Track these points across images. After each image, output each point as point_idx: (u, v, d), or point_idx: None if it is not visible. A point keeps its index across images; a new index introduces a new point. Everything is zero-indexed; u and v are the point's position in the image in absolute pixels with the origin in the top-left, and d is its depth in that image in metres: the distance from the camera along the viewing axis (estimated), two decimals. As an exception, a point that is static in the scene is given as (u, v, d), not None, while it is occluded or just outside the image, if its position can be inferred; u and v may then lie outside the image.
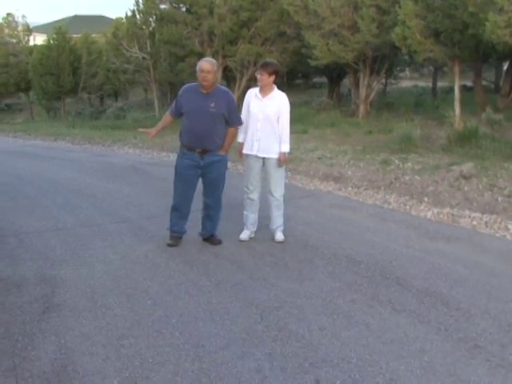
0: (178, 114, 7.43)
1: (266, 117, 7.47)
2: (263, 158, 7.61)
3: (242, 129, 7.68)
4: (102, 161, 16.03)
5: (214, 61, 7.37)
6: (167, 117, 7.63)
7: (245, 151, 7.69)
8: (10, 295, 6.02)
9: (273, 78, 7.44)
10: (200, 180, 7.50)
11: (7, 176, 13.51)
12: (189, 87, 7.39)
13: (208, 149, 7.26)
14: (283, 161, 7.64)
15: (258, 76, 7.46)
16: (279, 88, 7.72)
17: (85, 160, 16.31)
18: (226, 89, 7.57)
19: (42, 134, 25.60)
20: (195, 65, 7.36)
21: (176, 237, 7.63)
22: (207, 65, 7.06)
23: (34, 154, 18.42)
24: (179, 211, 7.54)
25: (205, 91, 7.16)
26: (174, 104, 7.47)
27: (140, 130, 7.94)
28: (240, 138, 7.74)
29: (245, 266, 6.81)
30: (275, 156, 7.56)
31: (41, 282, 6.40)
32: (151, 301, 5.79)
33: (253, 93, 7.66)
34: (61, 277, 6.52)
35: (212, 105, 7.13)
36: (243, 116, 7.66)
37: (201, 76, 7.04)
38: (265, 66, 7.46)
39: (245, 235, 7.85)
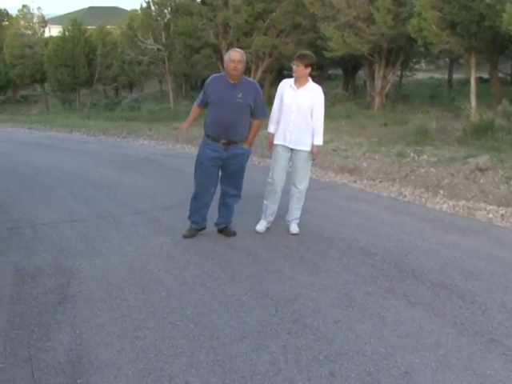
0: (205, 104, 7.35)
1: (300, 108, 7.41)
2: (291, 150, 7.57)
3: (273, 119, 7.64)
4: (117, 152, 16.06)
5: (242, 51, 7.31)
6: (196, 108, 7.53)
7: (276, 141, 7.62)
8: (26, 286, 6.04)
9: (309, 69, 7.38)
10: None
11: (23, 167, 13.56)
12: (216, 77, 7.36)
13: (233, 140, 7.22)
14: (316, 154, 7.61)
15: (294, 67, 7.38)
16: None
17: (100, 151, 16.36)
18: (253, 80, 7.58)
19: (57, 126, 25.68)
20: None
21: (194, 228, 7.62)
22: (237, 55, 7.04)
23: (50, 145, 18.49)
24: (198, 201, 7.52)
25: (233, 81, 7.12)
26: (201, 94, 7.41)
27: (173, 126, 7.89)
28: (271, 129, 7.67)
29: (260, 257, 6.80)
30: (306, 148, 7.51)
31: (56, 272, 6.42)
32: (166, 292, 5.80)
33: (287, 83, 7.59)
34: (76, 268, 6.54)
35: (239, 95, 7.09)
36: (275, 106, 7.64)
37: (231, 66, 7.00)
38: (301, 57, 7.41)
39: (261, 226, 7.82)
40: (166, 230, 7.97)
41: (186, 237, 7.53)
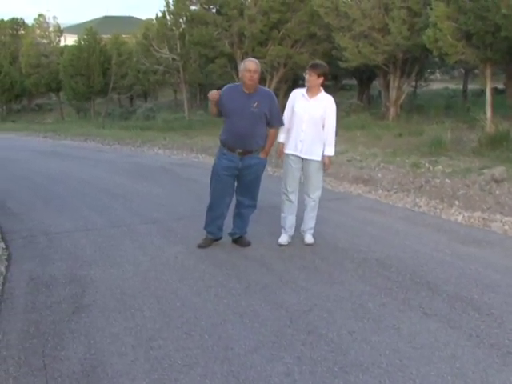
0: (219, 114, 7.32)
1: (312, 118, 7.39)
2: (303, 160, 7.55)
3: (283, 129, 7.61)
4: (131, 161, 16.10)
5: (257, 61, 7.30)
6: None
7: (287, 151, 7.60)
8: (40, 295, 6.07)
9: (321, 79, 7.36)
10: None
11: (38, 176, 13.63)
12: (231, 87, 7.35)
13: (249, 149, 7.22)
14: (328, 165, 7.60)
15: (307, 76, 7.38)
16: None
17: (115, 160, 16.42)
18: (268, 89, 7.58)
19: (72, 135, 25.80)
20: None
21: (210, 239, 7.61)
22: (253, 65, 7.04)
23: (65, 154, 18.57)
24: (213, 211, 7.51)
25: (248, 91, 7.11)
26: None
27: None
28: (281, 138, 7.64)
29: (274, 268, 6.80)
30: (317, 159, 7.49)
31: (70, 282, 6.45)
32: (180, 303, 5.80)
33: (299, 93, 7.58)
34: (90, 277, 6.56)
35: (254, 104, 7.08)
36: (286, 116, 7.61)
37: (247, 76, 7.01)
38: (314, 66, 7.40)
39: (284, 239, 7.76)
40: (181, 239, 7.98)
41: (200, 247, 7.52)
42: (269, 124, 7.32)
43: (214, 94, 7.10)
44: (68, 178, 13.15)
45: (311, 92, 7.45)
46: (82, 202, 10.44)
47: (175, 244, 7.79)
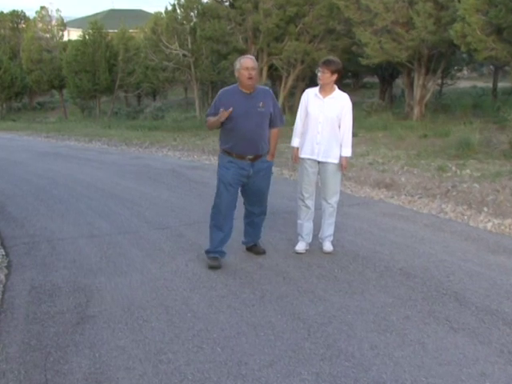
0: (221, 124, 7.07)
1: (328, 118, 7.36)
2: (319, 163, 7.53)
3: (296, 132, 7.61)
4: (139, 163, 16.13)
5: (254, 57, 7.24)
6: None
7: (303, 155, 7.56)
8: (42, 305, 6.09)
9: (335, 77, 7.32)
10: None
11: (40, 178, 13.68)
12: (228, 90, 7.20)
13: (260, 154, 7.12)
14: (345, 166, 7.57)
15: (319, 74, 7.33)
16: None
17: (121, 162, 16.45)
18: (265, 87, 7.48)
19: (76, 135, 25.87)
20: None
21: (217, 258, 7.26)
22: (251, 62, 6.95)
23: (68, 155, 18.63)
24: (222, 230, 7.25)
25: (248, 91, 7.02)
26: (212, 109, 7.16)
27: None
28: (295, 143, 7.63)
29: (291, 277, 6.79)
30: (335, 161, 7.46)
31: (74, 291, 6.46)
32: (191, 313, 5.80)
33: (311, 93, 7.54)
34: (96, 286, 6.58)
35: (260, 104, 7.00)
36: (299, 118, 7.59)
37: (245, 74, 6.89)
38: (327, 63, 7.35)
39: (301, 247, 7.73)
40: (192, 246, 7.99)
41: (213, 267, 7.15)
42: (271, 124, 7.24)
43: (225, 114, 6.86)
44: (72, 181, 13.19)
45: (325, 91, 7.42)
46: (87, 207, 10.48)
47: (186, 251, 7.80)
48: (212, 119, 7.10)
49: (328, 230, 7.75)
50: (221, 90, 7.31)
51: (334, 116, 7.36)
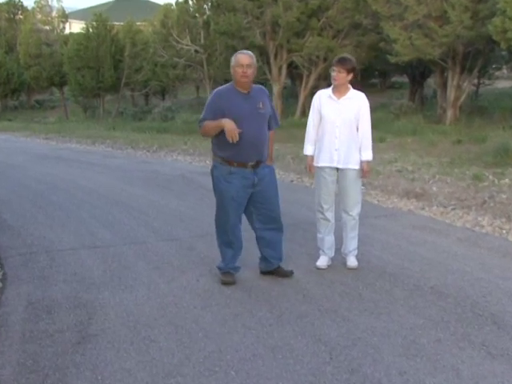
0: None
1: (345, 121, 7.33)
2: (338, 170, 7.49)
3: (309, 138, 7.60)
4: (146, 169, 16.20)
5: (252, 53, 7.02)
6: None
7: (321, 164, 7.50)
8: (40, 322, 6.10)
9: (350, 76, 7.30)
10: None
11: (38, 183, 13.74)
12: (222, 91, 7.05)
13: (262, 159, 7.02)
14: (367, 171, 7.55)
15: (334, 73, 7.28)
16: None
17: (127, 167, 16.52)
18: (260, 85, 7.33)
19: (77, 136, 26.00)
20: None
21: (231, 273, 7.26)
22: (247, 58, 6.82)
23: (69, 158, 18.73)
24: (233, 247, 7.23)
25: (245, 91, 6.90)
26: (207, 113, 6.94)
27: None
28: (308, 151, 7.62)
29: (312, 295, 6.77)
30: (356, 167, 7.43)
31: (75, 307, 6.47)
32: (203, 333, 5.80)
33: (324, 95, 7.51)
34: (99, 302, 6.59)
35: (260, 105, 6.92)
36: (311, 123, 7.57)
37: (239, 72, 6.75)
38: (343, 61, 7.29)
39: (323, 262, 7.69)
40: (203, 260, 8.00)
41: (227, 283, 7.16)
42: (268, 126, 7.13)
43: (234, 127, 6.66)
44: (73, 187, 13.25)
45: (339, 91, 7.40)
46: (90, 215, 10.52)
47: (197, 265, 7.80)
48: (210, 124, 6.89)
49: (351, 243, 7.70)
50: (215, 91, 7.17)
51: (351, 118, 7.35)
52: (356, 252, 7.74)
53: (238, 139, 6.63)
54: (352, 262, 7.67)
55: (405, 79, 36.92)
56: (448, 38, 19.77)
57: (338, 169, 7.47)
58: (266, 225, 7.25)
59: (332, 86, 7.45)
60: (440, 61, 21.37)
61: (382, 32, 21.89)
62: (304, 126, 7.58)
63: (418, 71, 28.96)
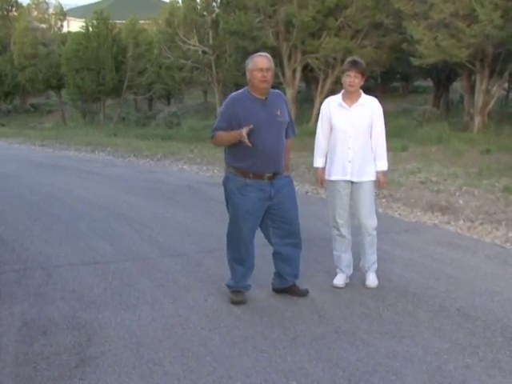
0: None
1: (358, 130, 7.29)
2: (352, 183, 7.44)
3: (318, 150, 7.58)
4: (150, 178, 16.23)
5: (269, 56, 6.96)
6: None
7: (333, 177, 7.47)
8: (35, 344, 6.10)
9: (363, 80, 7.27)
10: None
11: (34, 194, 13.77)
12: (238, 97, 7.02)
13: (279, 170, 7.00)
14: (384, 182, 7.55)
15: (349, 79, 7.18)
16: (370, 93, 7.59)
17: (129, 177, 16.56)
18: (277, 90, 7.29)
19: (76, 143, 26.06)
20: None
21: (242, 292, 7.26)
22: (265, 61, 6.78)
23: (67, 167, 18.77)
24: (244, 265, 7.21)
25: (262, 97, 6.88)
26: (221, 122, 6.95)
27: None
28: (318, 162, 7.59)
29: (328, 316, 6.76)
30: (372, 178, 7.41)
31: (73, 327, 6.47)
32: (211, 357, 5.79)
33: (333, 102, 7.46)
34: (98, 322, 6.59)
35: (278, 113, 6.89)
36: (320, 133, 7.55)
37: (258, 77, 6.72)
38: (356, 64, 7.21)
39: (340, 280, 7.66)
40: (211, 277, 8.00)
41: (236, 303, 7.15)
42: (285, 134, 7.12)
43: (244, 134, 6.59)
44: (71, 198, 13.28)
45: (350, 98, 7.35)
46: (89, 228, 10.54)
47: (204, 283, 7.81)
48: (224, 135, 6.89)
49: (370, 258, 7.65)
50: (229, 97, 7.11)
51: (365, 126, 7.32)
52: (376, 267, 7.71)
53: (246, 136, 6.57)
54: (372, 280, 7.63)
55: (429, 83, 36.91)
56: (476, 38, 19.75)
57: (352, 182, 7.43)
58: (284, 239, 7.22)
59: (342, 93, 7.42)
60: (467, 63, 21.35)
61: (405, 32, 21.90)
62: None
63: (444, 74, 28.96)
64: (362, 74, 7.20)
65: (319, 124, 7.58)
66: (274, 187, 6.94)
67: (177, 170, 18.35)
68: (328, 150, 7.54)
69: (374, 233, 7.59)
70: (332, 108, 7.43)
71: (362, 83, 7.26)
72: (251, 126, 6.60)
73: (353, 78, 7.16)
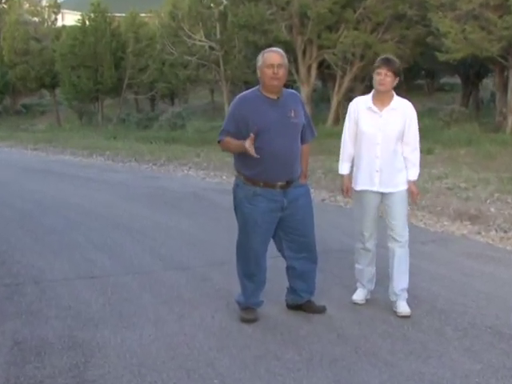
0: (238, 137, 6.81)
1: (389, 138, 7.10)
2: (382, 193, 7.28)
3: (344, 155, 7.41)
4: (152, 185, 16.27)
5: (282, 51, 6.86)
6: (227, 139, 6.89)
7: (359, 187, 7.32)
8: (27, 365, 6.08)
9: (397, 80, 7.04)
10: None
11: (26, 202, 13.80)
12: (246, 96, 6.98)
13: (293, 178, 6.90)
14: (417, 193, 7.46)
15: (379, 76, 7.00)
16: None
17: (130, 183, 16.60)
18: (291, 90, 7.25)
19: (72, 147, 26.14)
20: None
21: (253, 309, 7.21)
22: (277, 56, 6.69)
23: (62, 173, 18.82)
24: (255, 280, 7.16)
25: (274, 96, 6.80)
26: (228, 125, 6.91)
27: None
28: (344, 169, 7.44)
29: (348, 335, 6.75)
30: (403, 188, 7.26)
31: (69, 348, 6.46)
32: (219, 379, 5.77)
33: (362, 104, 7.27)
34: (97, 342, 6.58)
35: (292, 113, 6.78)
36: (347, 137, 7.38)
37: (268, 74, 6.63)
38: (388, 62, 7.02)
39: (360, 296, 7.60)
40: (219, 292, 8.00)
41: (247, 321, 7.11)
42: (302, 138, 7.03)
43: (247, 145, 6.49)
44: (66, 206, 13.31)
45: (382, 100, 7.16)
46: (86, 239, 10.56)
47: (211, 299, 7.79)
48: (231, 144, 6.86)
49: (401, 281, 7.36)
50: (237, 97, 7.05)
51: (396, 133, 7.12)
52: (406, 294, 7.40)
53: (252, 144, 6.47)
54: (403, 308, 7.27)
55: (456, 80, 36.84)
56: (509, 30, 19.72)
57: (382, 193, 7.28)
58: (298, 253, 7.15)
59: (372, 94, 7.24)
60: (499, 58, 21.31)
61: (430, 24, 21.88)
62: (337, 135, 7.51)
63: (473, 71, 28.93)
64: (395, 73, 6.98)
65: (346, 125, 7.40)
66: (288, 197, 6.84)
67: (181, 176, 18.38)
68: (354, 154, 7.38)
69: (406, 245, 7.38)
70: (360, 110, 7.23)
71: (394, 84, 7.04)
72: (255, 132, 6.49)
73: (383, 76, 6.95)
